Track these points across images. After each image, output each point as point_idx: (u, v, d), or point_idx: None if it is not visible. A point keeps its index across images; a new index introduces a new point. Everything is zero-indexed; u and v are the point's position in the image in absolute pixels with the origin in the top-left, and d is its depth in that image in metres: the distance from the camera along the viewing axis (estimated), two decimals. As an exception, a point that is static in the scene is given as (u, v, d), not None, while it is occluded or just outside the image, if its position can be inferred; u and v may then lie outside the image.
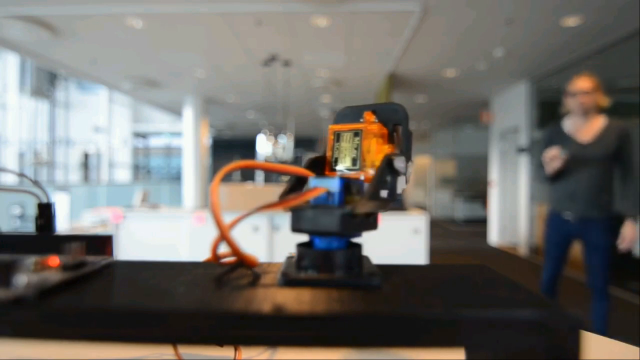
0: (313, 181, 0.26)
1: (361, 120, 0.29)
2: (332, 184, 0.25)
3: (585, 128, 1.87)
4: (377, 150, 0.27)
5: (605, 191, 1.84)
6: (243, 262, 0.25)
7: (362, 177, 0.27)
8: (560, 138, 1.92)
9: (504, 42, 3.77)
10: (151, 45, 3.96)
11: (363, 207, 0.24)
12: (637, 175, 1.83)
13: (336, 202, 0.25)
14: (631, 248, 1.90)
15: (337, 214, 0.23)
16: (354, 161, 0.27)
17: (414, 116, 8.07)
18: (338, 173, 0.28)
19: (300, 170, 0.27)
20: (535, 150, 1.92)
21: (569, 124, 1.94)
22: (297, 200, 0.24)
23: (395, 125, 0.29)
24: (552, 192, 1.97)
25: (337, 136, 0.28)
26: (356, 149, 0.27)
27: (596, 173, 1.83)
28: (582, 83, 1.88)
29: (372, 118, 0.29)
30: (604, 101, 1.89)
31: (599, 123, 1.86)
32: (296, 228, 0.24)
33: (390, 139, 0.29)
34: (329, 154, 0.28)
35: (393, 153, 0.27)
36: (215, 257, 0.26)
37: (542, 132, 1.96)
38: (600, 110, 1.90)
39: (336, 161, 0.28)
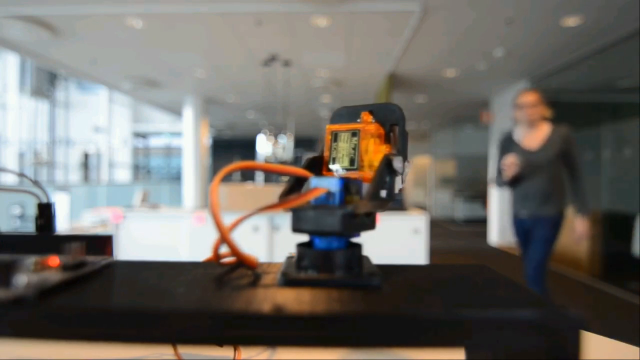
0: (313, 181, 0.26)
1: (358, 120, 0.29)
2: (333, 184, 0.25)
3: (532, 136, 2.10)
4: (374, 151, 0.28)
5: (553, 191, 2.05)
6: (243, 263, 0.25)
7: (360, 177, 0.27)
8: (511, 146, 2.16)
9: (504, 42, 3.77)
10: (151, 45, 3.96)
11: (364, 207, 0.24)
12: (582, 175, 2.06)
13: (337, 202, 0.25)
14: (583, 241, 2.18)
15: (339, 214, 0.23)
16: (352, 161, 0.27)
17: (414, 116, 8.07)
18: (336, 173, 0.28)
19: (299, 170, 0.27)
20: (493, 158, 2.16)
21: (518, 133, 2.16)
22: (298, 200, 0.24)
23: (392, 126, 0.29)
24: (511, 196, 2.21)
25: (335, 136, 0.28)
26: (354, 149, 0.28)
27: (545, 176, 2.04)
28: (528, 97, 2.09)
29: (370, 118, 0.29)
30: (547, 112, 2.11)
31: (544, 131, 2.08)
32: (297, 228, 0.24)
33: (386, 139, 0.29)
34: (326, 153, 0.28)
35: (391, 153, 0.27)
36: (217, 258, 0.26)
37: (498, 141, 2.30)
38: (544, 119, 2.11)
39: (334, 161, 0.28)
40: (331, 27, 3.47)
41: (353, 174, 0.27)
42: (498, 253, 5.43)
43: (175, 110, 7.28)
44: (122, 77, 5.13)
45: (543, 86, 4.97)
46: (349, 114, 0.30)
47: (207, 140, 6.92)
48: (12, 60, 7.71)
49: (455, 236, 7.05)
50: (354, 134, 0.28)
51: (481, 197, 8.44)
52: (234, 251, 0.24)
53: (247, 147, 9.86)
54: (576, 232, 2.12)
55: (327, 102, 6.43)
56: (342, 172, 0.28)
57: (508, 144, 2.20)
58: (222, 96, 6.23)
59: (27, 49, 4.04)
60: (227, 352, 0.36)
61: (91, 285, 0.23)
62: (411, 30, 3.47)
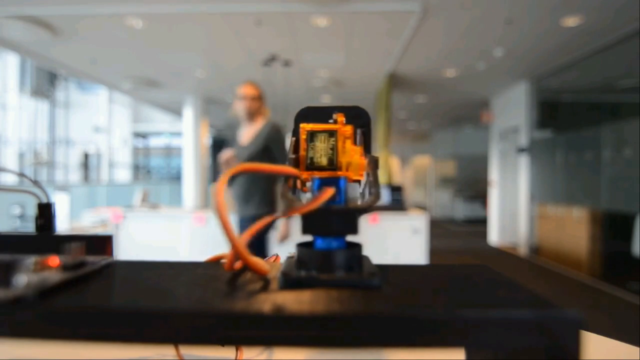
0: (317, 182, 0.26)
1: (330, 121, 0.29)
2: (337, 185, 0.25)
3: (248, 131, 2.03)
4: (351, 152, 0.28)
5: (258, 190, 1.96)
6: (254, 272, 0.25)
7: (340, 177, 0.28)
8: (234, 140, 2.07)
9: (503, 42, 3.77)
10: (151, 45, 3.96)
11: (374, 205, 0.24)
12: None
13: (342, 201, 0.25)
14: (285, 241, 2.06)
15: (354, 214, 0.23)
16: (331, 161, 0.27)
17: (414, 116, 8.07)
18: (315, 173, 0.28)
19: (290, 169, 0.27)
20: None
21: (242, 128, 2.08)
22: (316, 203, 0.23)
23: (359, 128, 0.30)
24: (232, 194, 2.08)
25: (311, 136, 0.28)
26: (332, 149, 0.28)
27: (250, 174, 1.92)
28: (248, 89, 2.03)
29: (343, 120, 0.29)
30: (265, 109, 2.08)
31: (258, 125, 2.02)
32: (309, 230, 0.24)
33: (353, 141, 0.29)
34: (302, 153, 0.28)
35: (372, 155, 0.28)
36: (231, 269, 0.26)
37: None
38: (262, 115, 2.06)
39: (312, 160, 0.28)
40: (331, 27, 3.47)
41: (332, 174, 0.27)
42: (498, 253, 5.43)
43: (175, 110, 7.28)
44: (122, 77, 5.13)
45: (543, 86, 4.98)
46: (313, 114, 0.30)
47: (207, 140, 6.92)
48: (12, 60, 7.71)
49: (455, 236, 7.05)
50: (331, 134, 0.28)
51: (481, 197, 8.45)
52: (248, 263, 0.24)
53: (247, 147, 9.83)
54: (279, 233, 2.04)
55: (327, 102, 6.44)
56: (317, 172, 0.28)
57: (231, 138, 2.10)
58: (222, 96, 6.23)
59: (27, 49, 4.04)
60: (228, 352, 0.36)
61: (91, 285, 0.23)
62: (411, 30, 3.47)
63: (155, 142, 11.16)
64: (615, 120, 3.77)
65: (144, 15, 3.24)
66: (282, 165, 0.27)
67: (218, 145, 10.91)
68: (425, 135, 10.79)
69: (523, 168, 5.27)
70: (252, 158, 1.94)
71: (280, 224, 2.05)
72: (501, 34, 3.54)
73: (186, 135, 6.35)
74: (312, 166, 0.27)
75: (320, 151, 0.28)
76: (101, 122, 9.40)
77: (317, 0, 2.96)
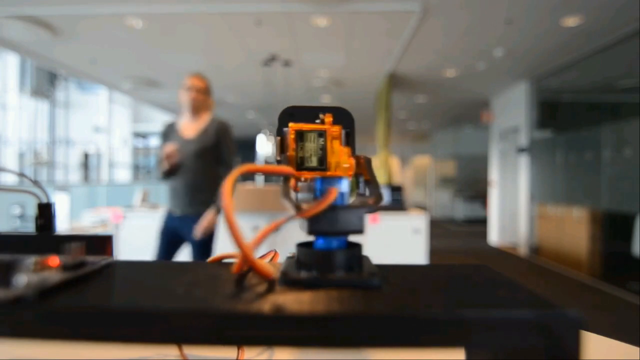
0: (319, 182, 0.26)
1: (317, 121, 0.29)
2: (341, 184, 0.25)
3: (193, 124, 1.95)
4: (339, 152, 0.28)
5: (205, 187, 1.89)
6: (260, 275, 0.25)
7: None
8: (172, 134, 1.94)
9: (503, 42, 3.77)
10: (151, 45, 3.96)
11: (380, 205, 0.24)
12: (229, 169, 1.94)
13: (345, 201, 0.25)
14: (206, 235, 1.89)
15: (362, 213, 0.23)
16: (321, 161, 0.27)
17: (414, 116, 8.07)
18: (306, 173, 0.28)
19: (288, 169, 0.27)
20: (160, 146, 1.96)
21: (181, 120, 1.98)
22: (324, 204, 0.23)
23: (344, 129, 0.30)
24: (168, 190, 1.96)
25: (300, 135, 0.28)
26: (322, 149, 0.28)
27: (197, 169, 1.88)
28: (196, 81, 1.96)
29: (331, 120, 0.29)
30: (211, 103, 2.01)
31: (204, 120, 1.95)
32: (316, 230, 0.24)
33: (341, 141, 0.29)
34: (290, 153, 0.28)
35: (365, 156, 0.29)
36: (239, 271, 0.25)
37: (161, 128, 2.01)
38: (208, 110, 1.99)
39: (302, 160, 0.27)
40: (331, 27, 3.47)
41: (322, 174, 0.27)
42: (498, 253, 5.43)
43: (175, 110, 7.28)
44: (122, 77, 5.13)
45: (543, 86, 4.98)
46: (298, 113, 0.30)
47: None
48: (12, 60, 7.71)
49: (455, 236, 7.05)
50: (321, 134, 0.28)
51: (481, 197, 8.45)
52: (255, 267, 0.23)
53: (247, 147, 9.86)
54: (201, 224, 1.85)
55: (327, 102, 6.43)
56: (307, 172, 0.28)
57: (169, 131, 1.96)
58: (222, 96, 6.23)
59: (27, 49, 4.04)
60: (229, 351, 0.36)
61: (91, 285, 0.23)
62: (411, 30, 3.47)
63: (155, 142, 11.15)
64: (615, 120, 3.77)
65: (144, 15, 3.24)
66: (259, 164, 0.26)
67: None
68: (425, 135, 10.79)
69: (523, 168, 5.27)
70: (200, 154, 1.88)
71: (206, 215, 1.89)
72: (501, 34, 3.54)
73: (186, 135, 6.35)
74: (302, 166, 0.27)
75: (310, 151, 0.27)
76: (101, 122, 9.40)
77: (317, 0, 2.96)
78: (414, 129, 9.86)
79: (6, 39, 3.70)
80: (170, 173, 1.86)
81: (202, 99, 1.95)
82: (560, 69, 4.49)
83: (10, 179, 6.44)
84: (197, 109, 1.94)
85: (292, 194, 0.26)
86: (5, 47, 3.97)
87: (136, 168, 10.81)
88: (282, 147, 0.29)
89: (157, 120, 10.11)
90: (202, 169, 1.89)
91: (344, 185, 0.25)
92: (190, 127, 1.94)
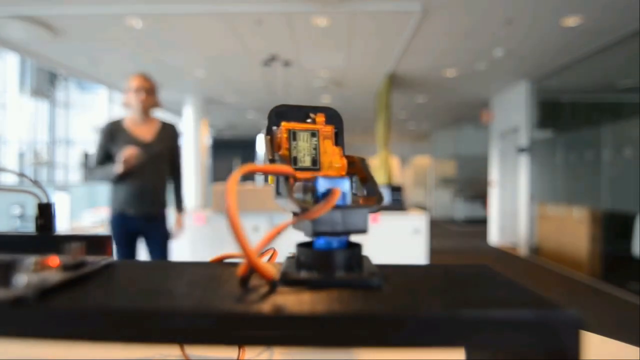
0: (322, 182, 0.26)
1: (308, 120, 0.29)
2: (343, 184, 0.25)
3: (145, 127, 1.96)
4: (332, 152, 0.28)
5: (162, 188, 1.98)
6: (262, 277, 0.24)
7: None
8: (121, 135, 1.91)
9: (504, 42, 3.77)
10: (151, 45, 3.96)
11: (382, 205, 0.24)
12: (182, 172, 2.08)
13: (347, 201, 0.25)
14: (179, 236, 2.14)
15: (366, 213, 0.23)
16: (314, 161, 0.27)
17: (414, 116, 8.07)
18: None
19: (287, 169, 0.27)
20: (100, 146, 1.93)
21: (129, 121, 1.96)
22: (330, 204, 0.23)
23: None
24: (116, 192, 1.95)
25: (294, 135, 0.28)
26: (315, 149, 0.27)
27: (156, 171, 1.94)
28: (144, 82, 1.95)
29: (323, 120, 0.29)
30: (158, 103, 2.02)
31: (156, 123, 1.98)
32: (319, 231, 0.24)
33: (333, 141, 0.29)
34: (284, 152, 0.27)
35: (360, 157, 0.29)
36: (242, 281, 0.25)
37: (102, 128, 1.96)
38: (154, 111, 2.01)
39: (295, 160, 0.27)
40: (331, 27, 3.47)
41: (315, 174, 0.27)
42: (498, 253, 5.43)
43: (175, 110, 7.27)
44: (122, 77, 5.13)
45: (543, 86, 4.98)
46: (288, 112, 0.30)
47: (207, 140, 6.92)
48: (12, 60, 7.71)
49: (455, 236, 7.05)
50: (314, 134, 0.28)
51: (481, 197, 8.44)
52: (258, 269, 0.23)
53: (247, 147, 9.85)
54: (175, 227, 2.08)
55: (327, 102, 6.43)
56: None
57: (115, 132, 1.91)
58: (222, 96, 6.23)
59: (27, 49, 4.04)
60: (229, 351, 0.36)
61: (91, 285, 0.23)
62: (411, 30, 3.47)
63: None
64: (616, 120, 3.77)
65: (144, 15, 3.24)
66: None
67: (218, 145, 10.93)
68: (425, 135, 10.79)
69: (523, 168, 5.27)
70: (160, 157, 1.93)
71: (177, 219, 2.09)
72: (501, 34, 3.54)
73: (186, 135, 6.35)
74: (295, 166, 0.27)
75: (304, 150, 0.27)
76: (101, 122, 9.40)
77: (317, 0, 2.96)
78: (414, 129, 9.86)
79: (6, 39, 3.70)
80: (124, 175, 1.87)
81: (152, 100, 1.96)
82: (561, 69, 4.49)
83: (10, 179, 6.44)
84: (147, 110, 1.94)
85: (295, 196, 0.26)
86: (5, 47, 3.97)
87: (136, 168, 10.80)
88: (272, 146, 0.28)
89: (157, 120, 10.11)
90: (161, 171, 1.97)
91: (346, 186, 0.25)
92: (143, 130, 1.94)
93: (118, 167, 1.82)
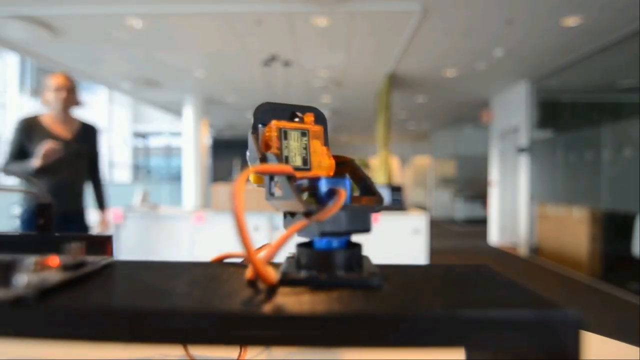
0: (325, 182, 0.26)
1: (296, 119, 0.29)
2: (345, 185, 0.25)
3: (65, 125, 1.97)
4: (321, 152, 0.28)
5: (81, 186, 2.01)
6: (263, 282, 0.24)
7: (315, 177, 0.27)
8: (39, 131, 1.90)
9: (504, 42, 3.77)
10: (151, 45, 3.96)
11: (383, 205, 0.25)
12: (102, 171, 2.12)
13: (349, 201, 0.25)
14: (107, 231, 2.17)
15: (369, 212, 0.24)
16: (305, 161, 0.27)
17: (414, 116, 8.07)
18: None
19: (287, 169, 0.27)
20: (15, 142, 1.89)
21: (47, 119, 1.96)
22: (338, 205, 0.23)
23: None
24: (31, 188, 1.90)
25: (284, 134, 0.27)
26: (305, 148, 0.27)
27: (75, 169, 1.96)
28: (65, 81, 1.97)
29: (312, 119, 0.29)
30: (79, 102, 2.04)
31: (76, 122, 2.01)
32: (326, 231, 0.24)
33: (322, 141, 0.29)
34: (274, 151, 0.27)
35: (351, 158, 0.29)
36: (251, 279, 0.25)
37: (17, 123, 1.94)
38: (75, 109, 2.04)
39: (287, 160, 0.27)
40: (331, 27, 3.47)
41: (306, 174, 0.27)
42: (498, 253, 5.43)
43: (175, 110, 7.27)
44: (122, 77, 5.13)
45: (543, 86, 4.98)
46: (273, 110, 0.29)
47: (207, 140, 6.92)
48: (12, 60, 7.71)
49: (455, 236, 7.05)
50: (304, 133, 0.28)
51: (481, 197, 8.44)
52: (260, 274, 0.23)
53: (247, 147, 9.80)
54: (101, 224, 2.12)
55: (327, 102, 6.43)
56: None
57: (32, 128, 1.89)
58: (222, 96, 6.23)
59: (27, 49, 4.04)
60: (231, 351, 0.36)
61: (91, 285, 0.23)
62: (411, 30, 3.47)
63: (155, 142, 11.15)
64: (615, 120, 3.77)
65: (144, 15, 3.24)
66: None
67: (218, 145, 10.94)
68: (425, 135, 10.79)
69: (523, 168, 5.27)
70: (81, 154, 1.96)
71: (103, 216, 2.13)
72: (501, 34, 3.54)
73: (186, 135, 6.35)
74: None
75: (295, 150, 0.27)
76: (101, 122, 9.40)
77: (317, 0, 2.96)
78: (414, 129, 9.86)
79: (6, 39, 3.70)
80: (41, 171, 1.83)
81: (72, 99, 1.98)
82: (560, 69, 4.49)
83: (10, 179, 6.43)
84: (67, 108, 1.96)
85: (300, 196, 0.26)
86: (5, 47, 3.97)
87: (136, 168, 10.81)
88: (258, 144, 0.28)
89: (157, 120, 10.11)
90: (80, 169, 1.99)
91: (346, 186, 0.25)
92: (62, 128, 1.95)
93: (36, 162, 1.78)
